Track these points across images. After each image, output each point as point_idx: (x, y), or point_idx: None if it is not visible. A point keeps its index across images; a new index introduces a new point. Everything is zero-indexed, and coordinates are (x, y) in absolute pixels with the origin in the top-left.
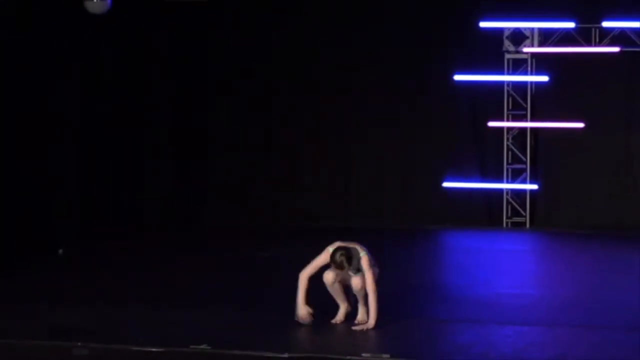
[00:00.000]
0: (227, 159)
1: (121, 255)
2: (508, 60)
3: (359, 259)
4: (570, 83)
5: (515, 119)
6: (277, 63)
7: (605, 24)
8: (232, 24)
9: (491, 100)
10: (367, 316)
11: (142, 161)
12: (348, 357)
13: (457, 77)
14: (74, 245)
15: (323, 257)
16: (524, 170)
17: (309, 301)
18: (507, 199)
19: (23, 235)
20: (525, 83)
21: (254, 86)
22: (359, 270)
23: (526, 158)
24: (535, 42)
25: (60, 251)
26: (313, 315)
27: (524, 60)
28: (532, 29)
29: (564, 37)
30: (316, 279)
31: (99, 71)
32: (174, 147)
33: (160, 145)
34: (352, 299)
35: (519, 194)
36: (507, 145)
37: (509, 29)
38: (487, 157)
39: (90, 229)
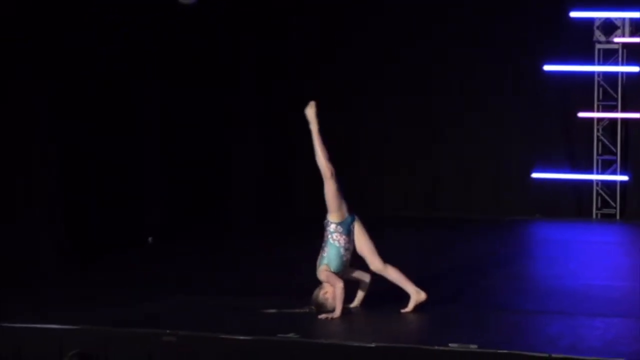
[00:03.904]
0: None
1: (208, 245)
2: (599, 50)
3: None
4: None
5: (605, 109)
6: (362, 55)
7: None
8: (318, 13)
9: (581, 90)
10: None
11: (229, 152)
12: (436, 347)
13: (547, 68)
14: (161, 236)
15: None
16: (614, 161)
17: None
18: (597, 190)
19: (114, 224)
20: (616, 73)
21: (338, 77)
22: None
23: (616, 149)
24: (627, 32)
25: (150, 239)
26: None
27: (615, 51)
28: (623, 19)
29: None
30: None
31: (188, 63)
32: (260, 139)
33: (247, 137)
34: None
35: (609, 185)
36: (597, 136)
37: (599, 18)
38: (576, 148)
39: (178, 218)
